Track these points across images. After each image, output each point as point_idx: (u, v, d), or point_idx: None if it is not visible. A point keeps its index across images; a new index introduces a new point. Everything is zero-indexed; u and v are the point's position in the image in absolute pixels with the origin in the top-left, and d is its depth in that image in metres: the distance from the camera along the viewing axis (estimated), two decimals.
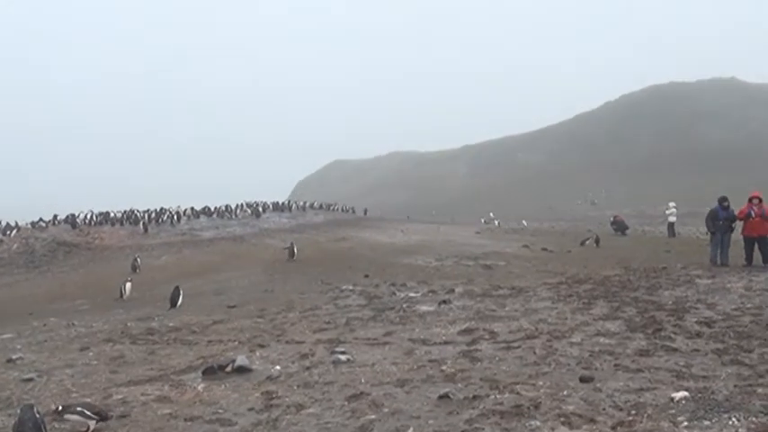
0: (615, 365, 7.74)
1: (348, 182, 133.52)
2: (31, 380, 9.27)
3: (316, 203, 47.82)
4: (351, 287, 16.43)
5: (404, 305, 13.24)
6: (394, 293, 15.16)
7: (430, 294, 14.68)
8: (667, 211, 33.72)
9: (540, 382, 7.17)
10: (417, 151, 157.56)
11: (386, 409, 6.48)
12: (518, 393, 6.78)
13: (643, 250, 24.18)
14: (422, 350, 9.24)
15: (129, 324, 14.02)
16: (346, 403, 6.83)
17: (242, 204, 41.10)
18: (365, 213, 50.93)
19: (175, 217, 36.95)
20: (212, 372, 8.71)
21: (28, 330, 14.70)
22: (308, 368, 8.61)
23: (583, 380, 7.13)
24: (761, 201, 17.99)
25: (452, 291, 14.81)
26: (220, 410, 6.88)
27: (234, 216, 38.33)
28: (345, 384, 7.60)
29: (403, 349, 9.38)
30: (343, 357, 8.82)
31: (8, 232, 36.05)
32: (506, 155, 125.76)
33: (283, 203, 44.14)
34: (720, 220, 18.65)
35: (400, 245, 27.69)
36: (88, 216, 36.17)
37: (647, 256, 21.45)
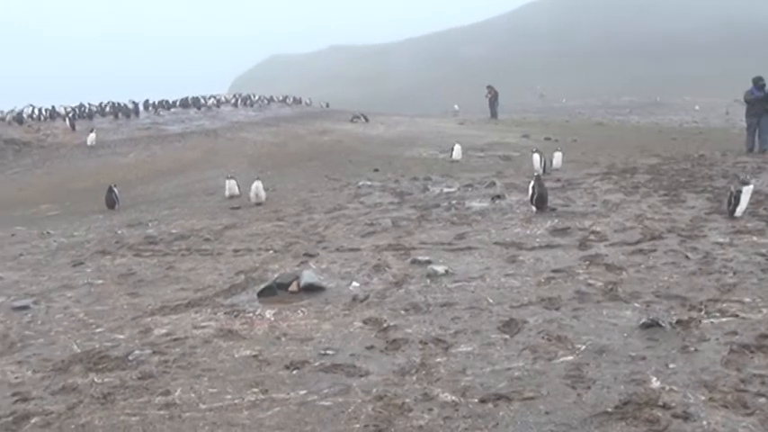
0: None
1: (289, 77, 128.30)
2: (26, 308, 7.14)
3: (275, 97, 44.96)
4: (368, 183, 14.41)
5: (452, 202, 11.31)
6: (427, 188, 13.21)
7: (469, 189, 12.78)
8: None
9: (747, 298, 5.37)
10: (357, 44, 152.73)
11: (580, 345, 4.60)
12: (737, 316, 4.97)
13: (646, 139, 22.60)
14: (527, 256, 7.37)
15: (119, 232, 11.81)
16: (506, 335, 4.92)
17: (203, 98, 38.05)
18: (327, 106, 48.30)
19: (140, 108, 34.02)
20: (271, 291, 6.72)
21: None
22: (396, 284, 6.67)
23: None
24: None
25: (493, 184, 12.92)
26: (328, 351, 4.91)
27: (198, 109, 35.36)
28: (471, 306, 5.68)
29: (500, 256, 7.50)
30: (439, 269, 6.88)
31: None
32: (450, 48, 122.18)
33: (247, 96, 41.13)
34: (755, 102, 16.98)
35: (390, 137, 25.53)
36: (35, 112, 32.66)
37: (663, 145, 19.83)
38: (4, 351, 5.75)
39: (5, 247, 11.64)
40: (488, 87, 36.46)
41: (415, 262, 7.41)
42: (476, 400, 3.85)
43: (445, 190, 12.87)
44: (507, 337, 4.87)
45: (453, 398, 3.91)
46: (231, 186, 14.50)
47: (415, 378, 4.26)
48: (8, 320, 6.77)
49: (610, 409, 3.62)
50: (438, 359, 4.55)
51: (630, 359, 4.28)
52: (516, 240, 8.16)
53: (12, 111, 32.72)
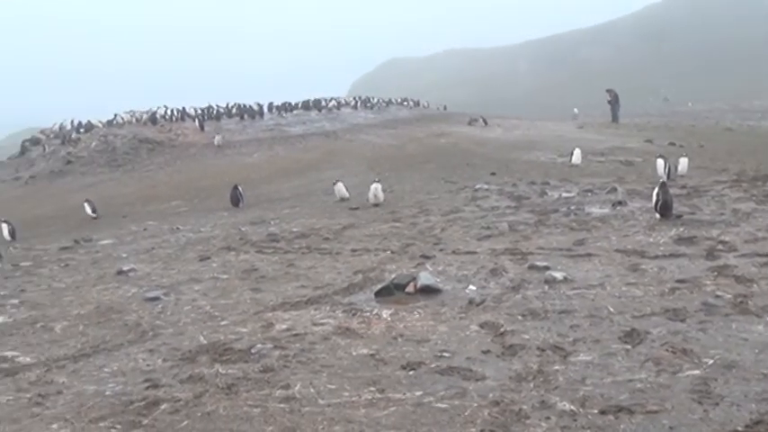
0: None
1: (405, 81, 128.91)
2: (156, 299, 7.55)
3: (393, 99, 45.33)
4: (485, 186, 14.32)
5: (571, 207, 11.09)
6: (545, 193, 13.00)
7: (589, 194, 12.48)
8: None
9: None
10: (476, 48, 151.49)
11: (707, 359, 4.41)
12: None
13: None
14: (650, 265, 7.11)
15: (242, 229, 12.28)
16: (627, 346, 4.78)
17: (324, 99, 38.89)
18: (444, 109, 48.27)
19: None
20: (388, 292, 6.80)
21: (128, 236, 13.16)
22: (513, 289, 6.61)
23: None
24: None
25: (614, 190, 12.56)
26: (444, 353, 4.92)
27: (319, 111, 36.18)
28: (591, 314, 5.55)
29: (621, 264, 7.28)
30: (557, 275, 6.76)
31: (81, 130, 34.64)
32: (570, 50, 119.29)
33: (366, 98, 41.74)
34: None
35: (508, 140, 25.30)
36: (167, 113, 34.41)
37: None
38: (136, 339, 6.09)
39: (139, 241, 12.34)
40: (608, 91, 35.46)
41: (532, 267, 7.32)
42: (595, 411, 3.77)
43: (564, 195, 12.63)
44: (629, 347, 4.74)
45: (572, 407, 3.84)
46: (340, 189, 14.81)
47: (532, 385, 4.21)
48: (140, 311, 7.18)
49: (740, 428, 3.46)
50: (556, 367, 4.48)
51: (762, 377, 4.07)
52: (638, 248, 7.91)
53: (147, 111, 34.58)
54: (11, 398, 4.77)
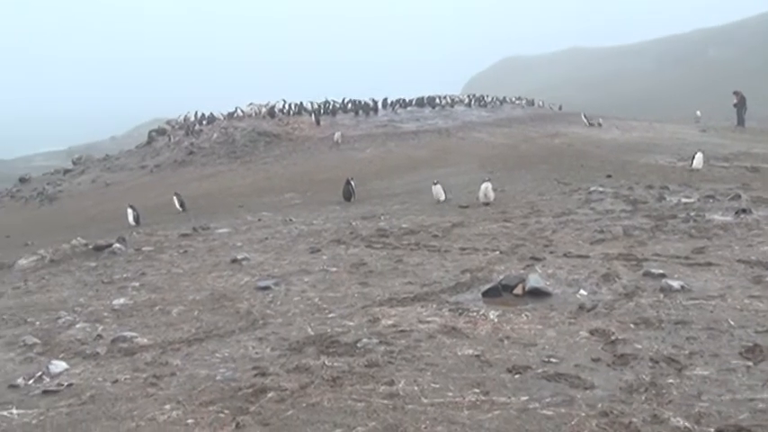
0: None
1: (521, 79, 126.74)
2: (267, 289, 7.77)
3: (508, 98, 44.81)
4: (599, 189, 13.91)
5: (690, 213, 10.62)
6: (663, 197, 12.51)
7: (710, 201, 11.89)
8: None
9: None
10: (597, 46, 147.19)
11: None
12: None
13: None
14: None
15: (353, 223, 12.42)
16: (749, 362, 4.53)
17: (438, 97, 38.88)
18: (560, 109, 47.29)
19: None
20: (496, 292, 6.74)
21: (243, 225, 13.57)
22: (626, 295, 6.39)
23: None
24: None
25: (738, 197, 11.93)
26: (551, 359, 4.81)
27: (432, 108, 36.24)
28: (709, 327, 5.29)
29: (744, 275, 6.90)
30: (674, 284, 6.48)
31: (204, 122, 36.06)
32: (695, 50, 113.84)
33: (480, 96, 41.45)
34: None
35: (625, 142, 24.55)
36: (285, 106, 35.37)
37: None
38: (247, 327, 6.27)
39: (253, 231, 12.71)
40: (735, 93, 33.78)
41: (647, 274, 7.05)
42: (712, 430, 3.59)
43: (683, 200, 12.11)
44: (750, 363, 4.49)
45: (686, 424, 3.67)
46: (438, 191, 14.73)
47: (643, 397, 4.06)
48: (252, 299, 7.40)
49: None
50: (670, 380, 4.30)
51: None
52: (764, 259, 7.47)
53: (266, 104, 35.64)
54: (128, 377, 5.01)
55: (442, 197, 14.63)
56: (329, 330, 5.86)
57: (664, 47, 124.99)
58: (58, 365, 5.26)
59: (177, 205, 17.66)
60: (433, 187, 14.88)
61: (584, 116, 32.26)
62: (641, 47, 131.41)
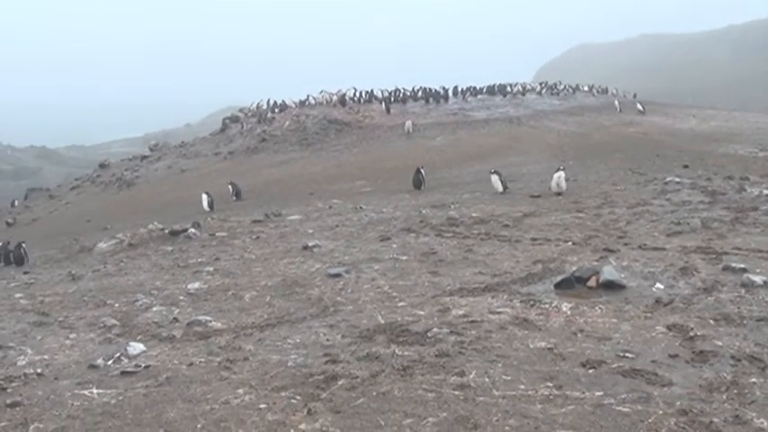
0: None
1: (592, 67, 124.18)
2: (339, 276, 7.81)
3: (580, 86, 44.02)
4: (676, 179, 13.54)
5: None
6: (743, 189, 12.10)
7: None
8: None
9: None
10: (672, 33, 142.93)
11: None
12: None
13: None
14: None
15: (423, 211, 12.40)
16: None
17: (509, 85, 38.46)
18: (634, 97, 46.18)
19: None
20: (569, 284, 6.63)
21: (314, 212, 13.70)
22: (705, 290, 6.20)
23: None
24: None
25: None
26: (627, 353, 4.70)
27: (503, 96, 35.88)
28: None
29: None
30: (757, 279, 6.25)
31: (276, 110, 36.51)
32: None
33: (552, 84, 40.85)
34: None
35: (702, 131, 23.85)
36: (356, 95, 35.57)
37: None
38: (318, 314, 6.33)
39: (324, 218, 12.81)
40: None
41: (727, 268, 6.83)
42: None
43: (765, 192, 11.67)
44: None
45: None
46: (495, 182, 14.39)
47: (725, 396, 3.93)
48: (323, 286, 7.46)
49: None
50: (753, 379, 4.15)
51: None
52: None
53: (337, 92, 35.90)
54: (203, 360, 5.11)
55: (500, 188, 14.32)
56: (399, 319, 5.86)
57: (743, 33, 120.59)
58: (136, 347, 5.41)
59: (232, 194, 17.91)
60: (491, 176, 14.59)
61: (639, 104, 31.58)
62: (718, 34, 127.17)
